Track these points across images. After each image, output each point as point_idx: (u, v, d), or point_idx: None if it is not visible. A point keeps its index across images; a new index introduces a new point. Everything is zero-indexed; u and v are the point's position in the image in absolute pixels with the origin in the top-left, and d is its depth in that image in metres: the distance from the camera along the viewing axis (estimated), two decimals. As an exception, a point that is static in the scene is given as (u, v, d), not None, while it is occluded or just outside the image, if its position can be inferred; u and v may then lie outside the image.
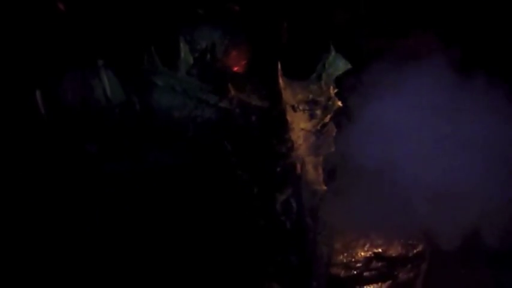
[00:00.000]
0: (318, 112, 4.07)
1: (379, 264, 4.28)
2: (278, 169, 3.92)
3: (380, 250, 4.29)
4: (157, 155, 4.74)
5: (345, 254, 4.30)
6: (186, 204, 4.51)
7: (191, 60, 4.90)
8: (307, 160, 3.97)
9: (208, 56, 4.85)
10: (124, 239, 4.46)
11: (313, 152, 4.05)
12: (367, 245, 4.28)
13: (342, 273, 4.21)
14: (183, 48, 4.95)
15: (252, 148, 4.13)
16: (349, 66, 4.44)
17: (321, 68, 4.51)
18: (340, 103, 4.24)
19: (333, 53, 4.65)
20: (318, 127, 4.07)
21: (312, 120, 4.05)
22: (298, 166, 3.88)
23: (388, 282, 4.32)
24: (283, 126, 3.99)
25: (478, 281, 4.57)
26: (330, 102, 4.17)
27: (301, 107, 4.07)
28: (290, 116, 3.99)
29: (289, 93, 4.12)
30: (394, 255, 4.33)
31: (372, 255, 4.26)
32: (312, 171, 3.97)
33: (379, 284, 4.27)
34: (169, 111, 4.80)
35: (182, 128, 4.80)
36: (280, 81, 4.11)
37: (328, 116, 4.14)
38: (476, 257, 4.61)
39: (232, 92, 4.16)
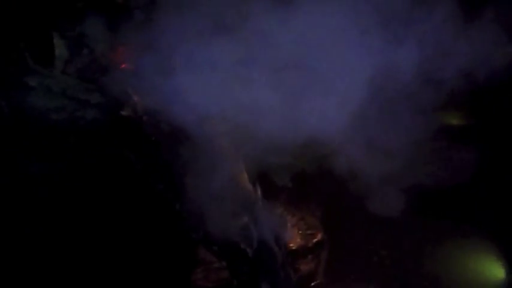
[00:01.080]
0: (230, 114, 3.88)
1: (280, 259, 4.22)
2: (212, 183, 3.58)
3: (280, 244, 4.24)
4: (37, 166, 4.25)
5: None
6: (87, 218, 4.11)
7: (68, 57, 4.47)
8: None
9: (86, 51, 4.44)
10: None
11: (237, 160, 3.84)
12: (267, 241, 4.20)
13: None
14: (58, 44, 4.49)
15: (166, 159, 3.76)
16: None
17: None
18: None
19: None
20: (231, 129, 3.90)
21: (226, 122, 3.85)
22: (247, 184, 3.54)
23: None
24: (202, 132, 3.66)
25: (376, 263, 4.71)
26: None
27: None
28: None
29: None
30: (294, 247, 4.30)
31: (272, 250, 4.19)
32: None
33: (282, 278, 4.22)
34: (45, 114, 4.33)
35: (63, 133, 4.36)
36: None
37: (240, 115, 3.91)
38: (373, 241, 4.76)
39: (135, 98, 3.77)
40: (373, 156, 4.30)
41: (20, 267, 3.92)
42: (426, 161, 4.98)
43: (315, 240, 4.47)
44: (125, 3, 5.15)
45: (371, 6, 4.10)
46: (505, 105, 5.55)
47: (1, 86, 4.26)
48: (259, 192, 3.72)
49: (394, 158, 4.38)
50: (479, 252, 4.69)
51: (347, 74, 3.89)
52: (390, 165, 4.33)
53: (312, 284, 4.48)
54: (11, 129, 4.19)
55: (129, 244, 4.17)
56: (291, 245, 4.30)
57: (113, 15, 4.93)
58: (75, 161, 4.30)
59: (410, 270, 4.59)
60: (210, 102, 3.76)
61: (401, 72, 4.09)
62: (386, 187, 4.44)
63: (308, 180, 4.66)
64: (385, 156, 4.40)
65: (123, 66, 4.80)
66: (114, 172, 4.21)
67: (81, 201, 4.21)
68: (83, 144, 4.36)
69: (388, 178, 4.48)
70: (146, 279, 4.10)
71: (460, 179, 5.02)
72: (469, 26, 4.32)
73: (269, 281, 3.58)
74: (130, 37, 4.45)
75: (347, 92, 3.87)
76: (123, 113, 3.75)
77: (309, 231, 4.49)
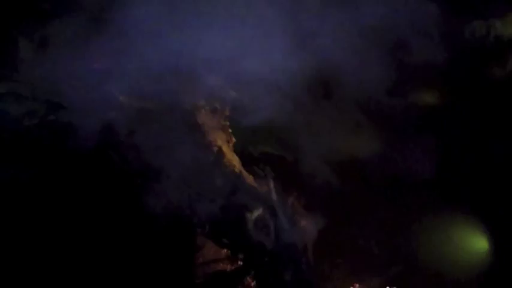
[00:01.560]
0: (217, 106, 3.86)
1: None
2: (215, 179, 3.51)
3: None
4: (9, 172, 4.15)
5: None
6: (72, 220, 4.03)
7: (35, 60, 4.35)
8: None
9: (54, 52, 4.33)
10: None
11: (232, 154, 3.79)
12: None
13: (228, 267, 3.91)
14: (24, 47, 4.37)
15: (159, 160, 3.67)
16: None
17: None
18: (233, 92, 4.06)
19: None
20: (221, 121, 3.85)
21: (215, 115, 3.83)
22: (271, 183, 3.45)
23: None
24: (196, 127, 3.57)
25: (362, 245, 4.69)
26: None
27: (201, 104, 3.69)
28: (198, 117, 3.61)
29: None
30: (279, 235, 4.24)
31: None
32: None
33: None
34: (16, 120, 4.23)
35: (36, 137, 4.26)
36: None
37: (227, 109, 3.97)
38: (357, 224, 4.74)
39: (121, 98, 3.66)
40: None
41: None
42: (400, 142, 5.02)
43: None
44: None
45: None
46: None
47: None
48: (271, 182, 3.66)
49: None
50: (463, 226, 4.73)
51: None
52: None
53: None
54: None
55: (114, 242, 4.11)
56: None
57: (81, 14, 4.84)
58: (52, 165, 4.21)
59: (397, 248, 4.60)
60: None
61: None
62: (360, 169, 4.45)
63: (289, 168, 4.64)
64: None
65: (97, 65, 4.70)
66: (99, 173, 4.14)
67: (65, 203, 4.13)
68: (60, 146, 4.25)
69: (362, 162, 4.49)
70: (132, 275, 4.05)
71: (439, 158, 5.07)
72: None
73: (292, 269, 3.51)
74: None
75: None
76: (110, 115, 3.61)
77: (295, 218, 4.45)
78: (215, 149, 3.55)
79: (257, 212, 3.44)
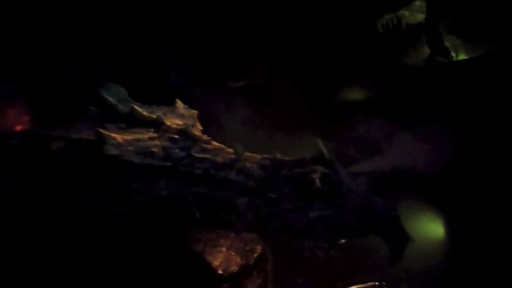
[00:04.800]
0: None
1: (224, 287, 3.92)
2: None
3: (220, 272, 3.93)
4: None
5: (182, 295, 3.87)
6: None
7: None
8: None
9: None
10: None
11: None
12: (205, 274, 3.88)
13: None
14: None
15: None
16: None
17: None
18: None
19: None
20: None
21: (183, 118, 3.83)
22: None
23: (240, 302, 4.02)
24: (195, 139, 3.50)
25: (326, 261, 4.53)
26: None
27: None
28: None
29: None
30: (235, 270, 3.99)
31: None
32: None
33: (231, 308, 3.94)
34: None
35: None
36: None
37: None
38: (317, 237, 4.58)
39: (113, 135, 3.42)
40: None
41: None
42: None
43: (255, 255, 4.22)
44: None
45: None
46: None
47: None
48: (319, 142, 3.42)
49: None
50: (418, 211, 4.74)
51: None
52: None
53: (265, 299, 4.25)
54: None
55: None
56: (231, 269, 4.02)
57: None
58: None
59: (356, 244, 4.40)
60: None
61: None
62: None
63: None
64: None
65: (19, 127, 4.42)
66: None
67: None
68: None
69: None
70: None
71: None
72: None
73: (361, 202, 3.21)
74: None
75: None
76: (107, 152, 3.26)
77: (247, 248, 4.24)
78: (229, 150, 3.47)
79: (319, 172, 3.17)
